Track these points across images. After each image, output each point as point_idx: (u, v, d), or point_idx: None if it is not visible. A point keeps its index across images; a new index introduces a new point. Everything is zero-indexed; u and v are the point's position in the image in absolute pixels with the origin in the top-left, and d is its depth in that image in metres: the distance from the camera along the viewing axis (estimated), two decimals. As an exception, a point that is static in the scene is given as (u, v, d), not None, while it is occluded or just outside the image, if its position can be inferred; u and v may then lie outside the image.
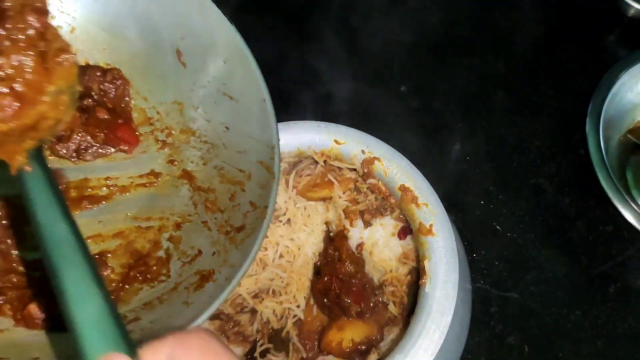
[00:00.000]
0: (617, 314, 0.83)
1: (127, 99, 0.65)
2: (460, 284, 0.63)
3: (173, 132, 0.65)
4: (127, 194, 0.63)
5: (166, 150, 0.65)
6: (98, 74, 0.64)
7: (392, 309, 0.70)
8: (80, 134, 0.62)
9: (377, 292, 0.71)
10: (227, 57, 0.60)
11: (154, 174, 0.64)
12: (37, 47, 0.47)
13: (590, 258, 0.87)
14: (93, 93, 0.63)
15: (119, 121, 0.64)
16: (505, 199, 0.93)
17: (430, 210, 0.65)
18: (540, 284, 0.86)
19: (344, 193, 0.73)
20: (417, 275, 0.69)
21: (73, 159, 0.63)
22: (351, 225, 0.72)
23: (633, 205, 0.84)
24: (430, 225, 0.64)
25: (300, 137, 0.70)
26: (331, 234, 0.74)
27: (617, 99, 0.94)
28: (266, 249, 0.73)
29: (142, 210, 0.62)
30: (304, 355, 0.70)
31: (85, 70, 0.64)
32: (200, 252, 0.58)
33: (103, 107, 0.63)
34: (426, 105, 1.01)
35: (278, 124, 0.69)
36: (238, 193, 0.60)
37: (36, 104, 0.47)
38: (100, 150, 0.64)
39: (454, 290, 0.61)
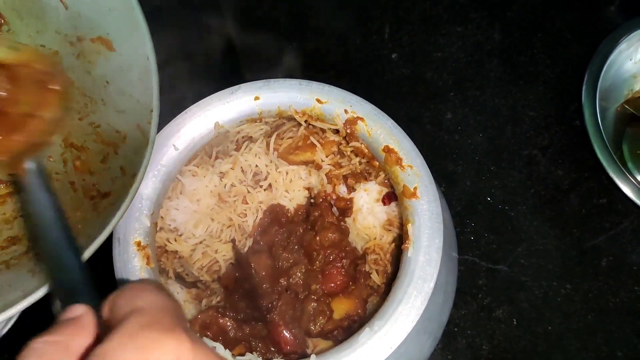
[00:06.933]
0: (609, 288, 0.81)
1: None
2: (445, 251, 0.61)
3: None
4: None
5: None
6: None
7: (375, 277, 0.67)
8: None
9: (359, 262, 0.68)
10: (114, 5, 0.56)
11: None
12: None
13: (582, 231, 0.84)
14: None
15: None
16: (496, 171, 0.90)
17: (415, 172, 0.62)
18: (530, 257, 0.83)
19: (327, 157, 0.70)
20: (402, 242, 0.66)
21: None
22: (334, 190, 0.70)
23: (629, 177, 0.82)
24: (415, 188, 0.61)
25: (281, 95, 0.66)
26: (312, 201, 0.71)
27: (615, 68, 0.91)
28: (245, 215, 0.70)
29: None
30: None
31: None
32: None
33: None
34: (418, 73, 0.98)
35: (259, 80, 0.67)
36: (110, 156, 0.57)
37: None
38: None
39: (437, 255, 0.58)
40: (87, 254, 0.48)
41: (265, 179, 0.71)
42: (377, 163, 0.66)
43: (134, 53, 0.56)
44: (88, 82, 0.60)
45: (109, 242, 0.59)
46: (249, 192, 0.70)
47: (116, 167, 0.56)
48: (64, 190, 0.58)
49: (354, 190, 0.69)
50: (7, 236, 0.55)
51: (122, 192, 0.52)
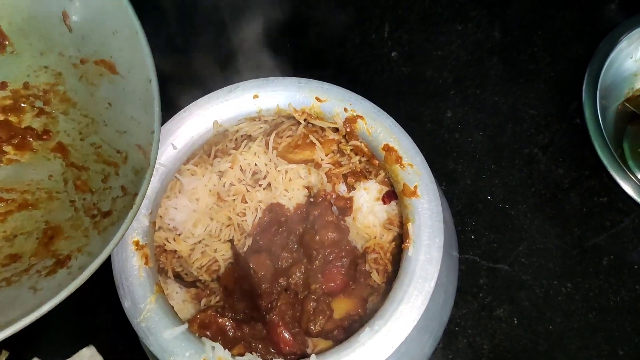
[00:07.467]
0: (610, 287, 0.81)
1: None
2: (446, 250, 0.60)
3: (52, 100, 0.62)
4: None
5: (42, 118, 0.61)
6: None
7: (376, 277, 0.67)
8: None
9: (359, 261, 0.68)
10: (118, 28, 0.57)
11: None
12: None
13: (583, 229, 0.84)
14: None
15: None
16: (497, 169, 0.89)
17: (415, 170, 0.61)
18: (531, 256, 0.83)
19: (326, 155, 0.69)
20: (402, 241, 0.65)
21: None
22: (334, 189, 0.69)
23: (630, 175, 0.81)
24: (415, 187, 0.61)
25: (280, 94, 0.66)
26: (311, 200, 0.71)
27: (615, 66, 0.90)
28: (244, 214, 0.70)
29: (6, 180, 0.59)
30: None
31: None
32: (61, 232, 0.55)
33: None
34: (418, 72, 0.97)
35: (259, 79, 0.66)
36: (111, 175, 0.57)
37: None
38: None
39: (438, 255, 0.58)
40: (88, 272, 0.48)
41: (265, 178, 0.70)
42: (377, 162, 0.65)
43: (136, 76, 0.56)
44: (90, 103, 0.60)
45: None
46: (248, 191, 0.70)
47: (117, 186, 0.56)
48: (64, 210, 0.57)
49: (354, 189, 0.69)
50: (7, 253, 0.55)
51: (123, 211, 0.52)
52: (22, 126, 0.61)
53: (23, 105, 0.61)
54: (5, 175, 0.59)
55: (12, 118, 0.61)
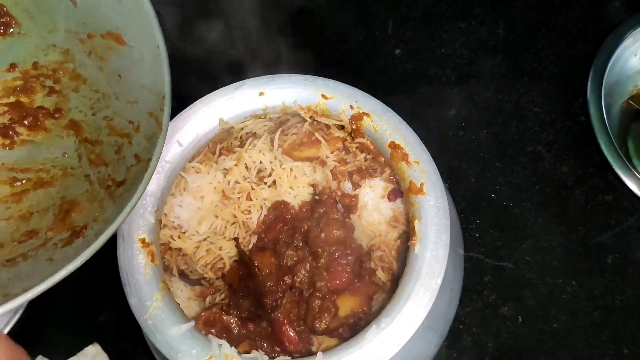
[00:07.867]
0: (615, 286, 0.81)
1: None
2: (452, 248, 0.60)
3: (62, 78, 0.62)
4: None
5: (53, 97, 0.62)
6: None
7: (381, 274, 0.67)
8: None
9: (364, 259, 0.68)
10: None
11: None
12: None
13: (588, 228, 0.84)
14: None
15: None
16: (501, 167, 0.89)
17: (421, 168, 0.61)
18: (535, 254, 0.83)
19: (331, 153, 0.69)
20: (408, 239, 0.65)
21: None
22: (339, 187, 0.69)
23: (635, 173, 0.81)
24: (421, 184, 0.61)
25: (285, 91, 0.66)
26: (317, 198, 0.71)
27: (620, 64, 0.90)
28: (249, 212, 0.69)
29: (20, 161, 0.59)
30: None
31: None
32: (77, 206, 0.55)
33: None
34: (421, 69, 0.97)
35: (264, 76, 0.66)
36: (125, 146, 0.57)
37: None
38: None
39: (444, 252, 0.57)
40: (105, 237, 0.48)
41: (270, 175, 0.70)
42: (383, 159, 0.65)
43: (144, 44, 0.56)
44: (101, 78, 0.60)
45: (113, 239, 0.59)
46: (253, 188, 0.70)
47: (130, 155, 0.56)
48: (80, 184, 0.57)
49: (359, 186, 0.69)
50: (24, 231, 0.55)
51: (137, 178, 0.52)
52: (34, 106, 0.61)
53: (33, 85, 0.62)
54: (19, 156, 0.60)
55: (24, 99, 0.61)
